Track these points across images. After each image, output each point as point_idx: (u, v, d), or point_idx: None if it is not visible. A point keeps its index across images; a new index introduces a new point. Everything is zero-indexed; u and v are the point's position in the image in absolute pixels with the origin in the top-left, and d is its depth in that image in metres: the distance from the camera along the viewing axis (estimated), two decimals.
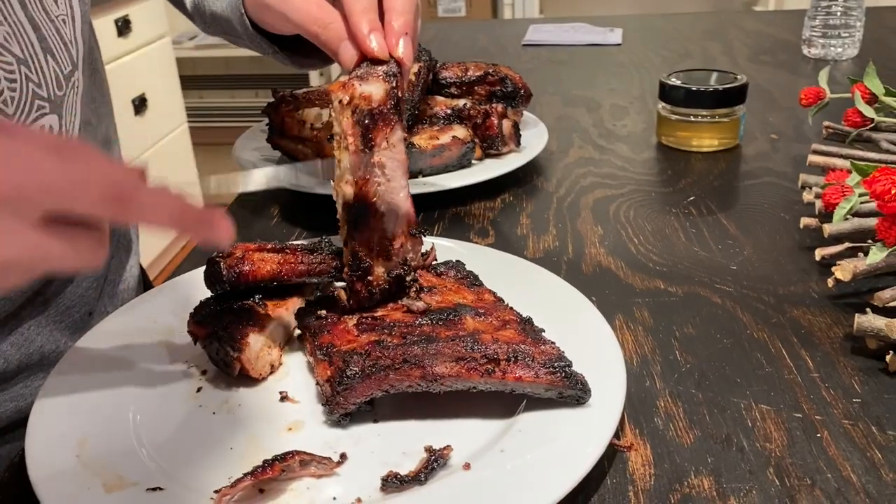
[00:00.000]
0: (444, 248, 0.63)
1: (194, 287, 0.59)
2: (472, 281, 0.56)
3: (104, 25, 2.17)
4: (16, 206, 0.33)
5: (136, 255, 0.78)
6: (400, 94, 0.49)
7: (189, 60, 2.95)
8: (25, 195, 0.33)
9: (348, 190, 0.51)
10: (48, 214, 0.34)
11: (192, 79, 3.03)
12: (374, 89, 0.49)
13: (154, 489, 0.42)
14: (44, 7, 0.57)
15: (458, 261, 0.58)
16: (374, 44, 0.50)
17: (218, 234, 0.39)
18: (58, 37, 0.58)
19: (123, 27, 2.26)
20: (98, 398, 0.49)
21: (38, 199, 0.34)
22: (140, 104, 2.37)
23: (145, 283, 0.83)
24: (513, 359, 0.47)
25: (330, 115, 0.50)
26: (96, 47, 0.70)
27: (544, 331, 0.50)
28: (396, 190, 0.51)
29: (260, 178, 0.50)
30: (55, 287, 0.65)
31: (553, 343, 0.48)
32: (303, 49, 0.66)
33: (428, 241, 0.55)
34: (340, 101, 0.49)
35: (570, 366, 0.47)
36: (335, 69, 2.55)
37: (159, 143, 2.49)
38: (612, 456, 0.47)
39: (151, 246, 2.38)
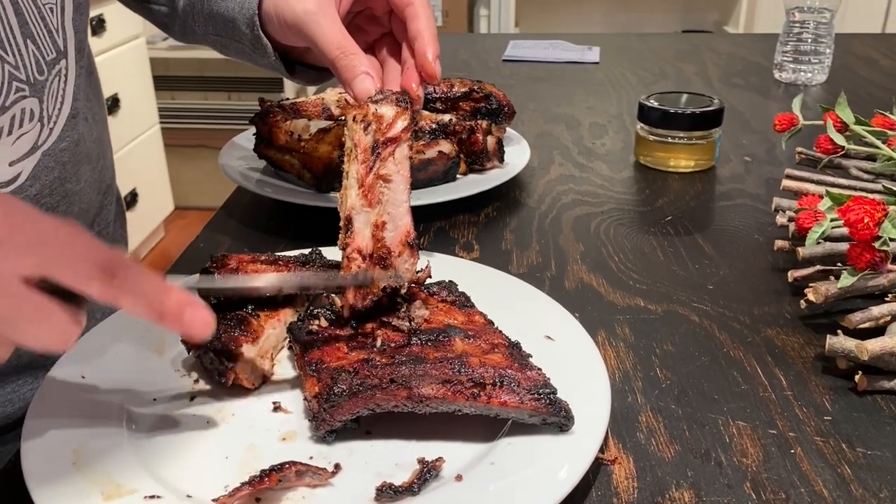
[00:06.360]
0: (433, 261, 0.65)
1: None
2: (463, 302, 0.57)
3: None
4: (6, 252, 0.34)
5: None
6: (409, 122, 0.54)
7: (162, 61, 2.93)
8: (18, 243, 0.34)
9: (353, 197, 0.53)
10: (32, 279, 0.35)
11: (165, 79, 3.01)
12: (386, 110, 0.53)
13: (152, 497, 0.43)
14: None
15: (450, 281, 0.59)
16: (439, 70, 0.57)
17: (196, 329, 0.40)
18: (41, 23, 0.58)
19: (98, 26, 2.24)
20: (91, 407, 0.50)
21: (30, 251, 0.34)
22: (113, 104, 2.35)
23: None
24: (499, 383, 0.48)
25: (344, 134, 0.55)
26: (91, 55, 0.70)
27: (531, 356, 0.52)
28: (399, 202, 0.54)
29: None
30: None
31: (540, 369, 0.50)
32: (290, 63, 0.67)
33: (424, 259, 0.57)
34: (354, 118, 0.53)
35: (554, 393, 0.48)
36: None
37: (131, 144, 2.47)
38: (596, 469, 0.49)
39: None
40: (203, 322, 0.40)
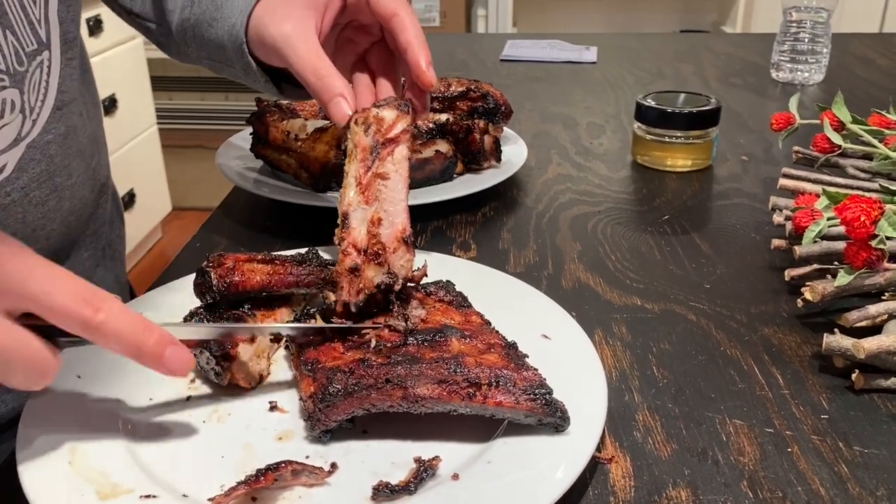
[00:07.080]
0: (431, 261, 0.65)
1: (183, 295, 0.59)
2: (460, 302, 0.57)
3: None
4: None
5: (121, 263, 0.78)
6: (409, 125, 0.55)
7: (159, 62, 2.92)
8: (6, 277, 0.35)
9: (351, 195, 0.54)
10: (13, 313, 0.35)
11: (162, 80, 3.01)
12: (387, 114, 0.55)
13: (148, 496, 0.43)
14: None
15: (447, 280, 0.59)
16: (433, 76, 0.58)
17: (175, 368, 0.42)
18: (22, 14, 0.58)
19: (95, 27, 2.24)
20: (88, 407, 0.50)
21: (17, 284, 0.35)
22: (110, 105, 2.34)
23: (131, 293, 0.84)
24: (494, 384, 0.48)
25: (341, 134, 0.56)
26: (86, 52, 0.70)
27: (528, 356, 0.52)
28: (396, 201, 0.55)
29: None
30: None
31: (536, 370, 0.49)
32: (283, 80, 0.67)
33: (420, 258, 0.57)
34: (356, 121, 0.55)
35: (550, 393, 0.48)
36: None
37: (129, 144, 2.47)
38: (593, 468, 0.49)
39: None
40: (182, 361, 0.42)
